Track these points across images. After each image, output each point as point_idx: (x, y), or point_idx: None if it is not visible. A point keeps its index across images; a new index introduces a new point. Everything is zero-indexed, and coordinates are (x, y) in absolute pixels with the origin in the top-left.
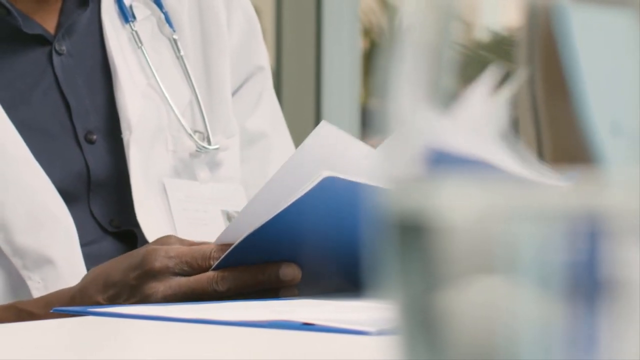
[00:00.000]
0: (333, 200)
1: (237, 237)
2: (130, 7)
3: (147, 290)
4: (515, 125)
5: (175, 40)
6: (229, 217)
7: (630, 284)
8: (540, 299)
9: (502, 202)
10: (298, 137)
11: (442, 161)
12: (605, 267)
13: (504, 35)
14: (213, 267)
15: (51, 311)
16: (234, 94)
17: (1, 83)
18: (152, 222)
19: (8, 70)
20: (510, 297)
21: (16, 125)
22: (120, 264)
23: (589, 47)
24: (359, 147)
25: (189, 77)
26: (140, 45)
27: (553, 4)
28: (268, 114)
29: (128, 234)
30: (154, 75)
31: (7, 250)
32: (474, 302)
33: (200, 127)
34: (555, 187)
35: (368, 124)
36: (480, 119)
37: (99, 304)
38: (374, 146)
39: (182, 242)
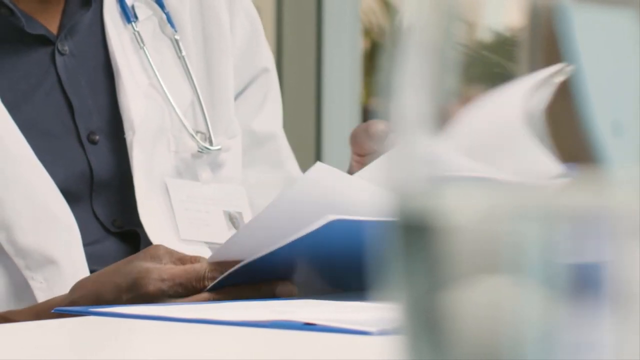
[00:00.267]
0: (336, 238)
1: (229, 257)
2: (132, 7)
3: None
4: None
5: (176, 41)
6: (230, 217)
7: (633, 284)
8: (545, 299)
9: (506, 202)
10: (298, 137)
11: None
12: (608, 267)
13: (506, 35)
14: (208, 287)
15: (52, 311)
16: (238, 95)
17: (4, 83)
18: (154, 222)
19: (11, 71)
20: (515, 297)
21: (19, 125)
22: (110, 281)
23: (591, 47)
24: (355, 184)
25: (191, 77)
26: (142, 45)
27: (555, 4)
28: (275, 116)
29: (131, 234)
30: (156, 76)
31: (9, 251)
32: (478, 302)
33: (202, 128)
34: (558, 187)
35: None
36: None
37: None
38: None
39: (171, 254)
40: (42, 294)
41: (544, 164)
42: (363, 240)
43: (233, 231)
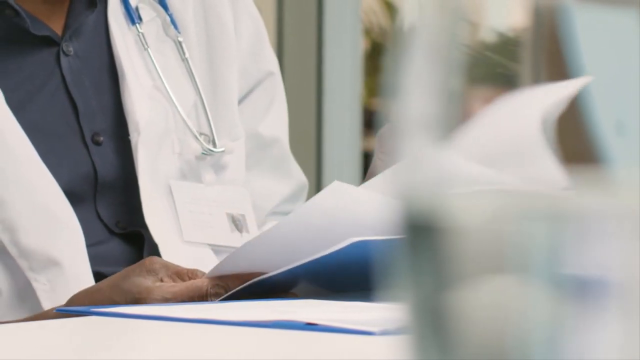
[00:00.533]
0: (354, 256)
1: (230, 271)
2: (137, 8)
3: None
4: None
5: (180, 43)
6: (233, 219)
7: (637, 284)
8: (551, 300)
9: (513, 203)
10: (299, 137)
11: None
12: (614, 267)
13: (509, 35)
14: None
15: (55, 311)
16: (243, 98)
17: (9, 84)
18: (158, 223)
19: (16, 72)
20: (521, 297)
21: (23, 126)
22: (108, 299)
23: (594, 47)
24: (373, 201)
25: (194, 79)
26: (146, 47)
27: (558, 5)
28: (281, 121)
29: (134, 235)
30: (160, 78)
31: (13, 252)
32: (485, 302)
33: (205, 130)
34: (565, 187)
35: (369, 124)
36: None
37: None
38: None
39: (167, 267)
40: (45, 295)
41: (555, 174)
42: (379, 257)
43: (236, 233)
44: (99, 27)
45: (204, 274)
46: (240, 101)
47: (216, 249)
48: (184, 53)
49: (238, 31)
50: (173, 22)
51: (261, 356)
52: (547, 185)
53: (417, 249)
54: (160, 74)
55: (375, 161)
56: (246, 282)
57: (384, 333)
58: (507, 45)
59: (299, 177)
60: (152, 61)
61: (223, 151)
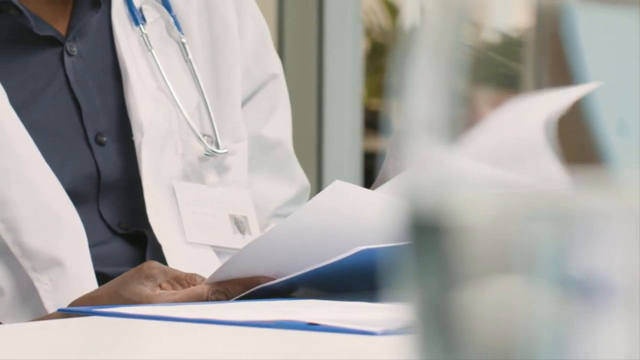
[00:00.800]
0: (360, 262)
1: (230, 276)
2: (140, 9)
3: None
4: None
5: (183, 44)
6: (236, 221)
7: None
8: (556, 300)
9: (518, 203)
10: (299, 137)
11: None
12: (620, 267)
13: (512, 36)
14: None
15: (56, 311)
16: (247, 100)
17: (13, 84)
18: (161, 224)
19: (19, 72)
20: (526, 297)
21: (27, 126)
22: (109, 305)
23: (596, 48)
24: (374, 200)
25: (197, 80)
26: (150, 48)
27: (560, 5)
28: (284, 122)
29: (137, 235)
30: (164, 79)
31: (16, 252)
32: (490, 302)
33: (208, 131)
34: (570, 187)
35: (370, 124)
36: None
37: None
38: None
39: (165, 272)
40: (48, 295)
41: (558, 175)
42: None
43: (238, 235)
44: (103, 27)
45: (202, 278)
46: (243, 103)
47: (218, 250)
48: (187, 54)
49: (242, 33)
50: (176, 23)
51: (263, 356)
52: (550, 186)
53: (423, 249)
54: (164, 75)
55: (387, 165)
56: (246, 286)
57: (385, 333)
58: (510, 46)
59: (302, 180)
60: (156, 62)
61: (226, 152)
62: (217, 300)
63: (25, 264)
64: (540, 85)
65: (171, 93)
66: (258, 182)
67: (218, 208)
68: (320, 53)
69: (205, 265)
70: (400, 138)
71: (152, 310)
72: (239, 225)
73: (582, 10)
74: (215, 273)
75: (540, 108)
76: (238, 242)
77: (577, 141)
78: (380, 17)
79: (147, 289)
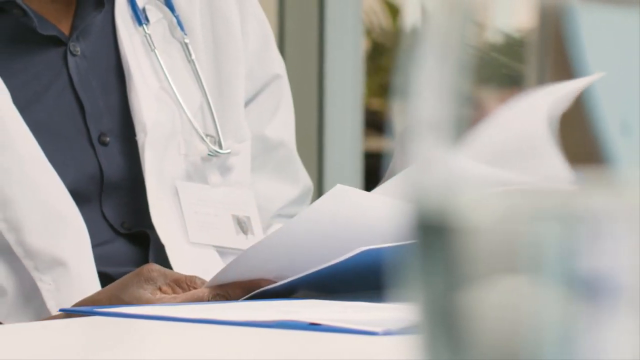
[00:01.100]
0: (362, 263)
1: (230, 279)
2: (144, 9)
3: None
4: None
5: (186, 44)
6: (238, 221)
7: None
8: (562, 300)
9: (524, 203)
10: (300, 137)
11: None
12: (624, 266)
13: (515, 36)
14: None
15: (58, 311)
16: (250, 101)
17: (16, 84)
18: (164, 224)
19: (23, 71)
20: (532, 297)
21: (30, 125)
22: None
23: (599, 48)
24: (376, 204)
25: (200, 81)
26: (153, 48)
27: (563, 5)
28: (287, 123)
29: (140, 235)
30: (167, 79)
31: (18, 252)
32: (496, 302)
33: (211, 131)
34: (575, 186)
35: (370, 124)
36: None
37: None
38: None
39: (165, 275)
40: (50, 295)
41: (562, 174)
42: (387, 261)
43: (241, 235)
44: (106, 27)
45: (203, 281)
46: (246, 103)
47: (221, 250)
48: (190, 54)
49: (245, 33)
50: (179, 23)
51: (264, 356)
52: (554, 184)
53: (429, 250)
54: (167, 75)
55: (395, 163)
56: (247, 290)
57: (387, 333)
58: (513, 46)
59: (305, 180)
60: (159, 62)
61: (229, 153)
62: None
63: (28, 263)
64: (543, 85)
65: (174, 93)
66: (261, 182)
67: (221, 208)
68: (321, 53)
69: (207, 266)
70: (407, 137)
71: (154, 310)
72: (242, 225)
73: (585, 11)
74: (216, 276)
75: (542, 104)
76: (241, 242)
77: (580, 141)
78: (381, 17)
79: (147, 292)
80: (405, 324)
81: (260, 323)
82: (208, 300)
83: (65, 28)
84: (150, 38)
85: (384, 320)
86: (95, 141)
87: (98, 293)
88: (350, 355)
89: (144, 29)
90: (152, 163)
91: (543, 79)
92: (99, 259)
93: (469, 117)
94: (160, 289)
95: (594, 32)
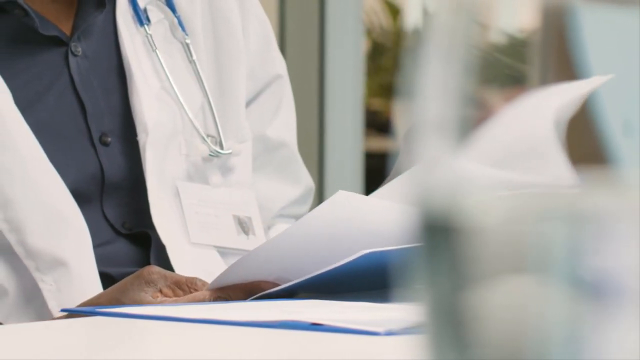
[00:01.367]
0: (364, 265)
1: (232, 282)
2: (145, 10)
3: None
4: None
5: (187, 45)
6: (240, 222)
7: None
8: (568, 300)
9: (530, 203)
10: (301, 137)
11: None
12: (629, 267)
13: (518, 37)
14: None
15: (60, 311)
16: (251, 101)
17: (17, 84)
18: (165, 225)
19: (24, 71)
20: (539, 297)
21: (31, 126)
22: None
23: (602, 48)
24: (378, 210)
25: (202, 81)
26: (154, 48)
27: (566, 6)
28: (288, 123)
29: (141, 235)
30: (168, 79)
31: (20, 252)
32: (502, 302)
33: (212, 132)
34: (580, 186)
35: (371, 124)
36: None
37: None
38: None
39: (165, 277)
40: (52, 296)
41: (566, 175)
42: (390, 266)
43: (242, 236)
44: (108, 27)
45: (203, 282)
46: (247, 104)
47: (222, 251)
48: (191, 55)
49: (246, 34)
50: (181, 24)
51: (266, 356)
52: (559, 185)
53: (435, 250)
54: (168, 76)
55: (400, 163)
56: (248, 292)
57: (389, 333)
58: (516, 47)
59: (307, 180)
60: (160, 62)
61: (230, 153)
62: None
63: (29, 264)
64: (546, 85)
65: (175, 93)
66: (262, 182)
67: (222, 209)
68: (322, 53)
69: (209, 266)
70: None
71: (156, 310)
72: (243, 225)
73: (587, 11)
74: (217, 279)
75: (547, 104)
76: (242, 242)
77: (583, 142)
78: (381, 17)
79: (147, 295)
80: (407, 324)
81: (262, 323)
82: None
83: (66, 28)
84: (152, 38)
85: (386, 321)
86: (96, 141)
87: (99, 296)
88: (352, 356)
89: (145, 29)
90: (153, 163)
91: (546, 79)
92: (100, 259)
93: (473, 117)
94: (161, 292)
95: (597, 32)
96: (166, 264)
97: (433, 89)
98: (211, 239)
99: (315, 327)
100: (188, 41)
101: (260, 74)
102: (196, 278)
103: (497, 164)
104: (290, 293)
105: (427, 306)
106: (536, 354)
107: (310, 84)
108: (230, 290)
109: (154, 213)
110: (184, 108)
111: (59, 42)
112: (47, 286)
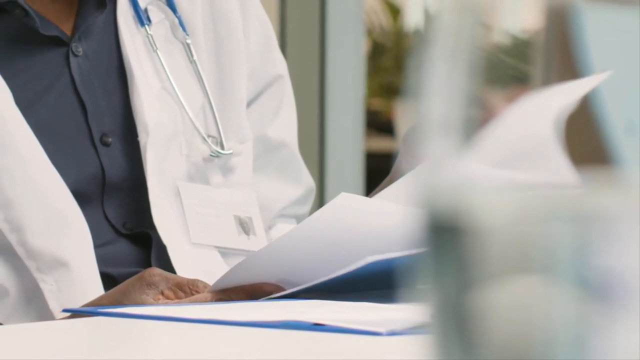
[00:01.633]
0: (368, 271)
1: (234, 284)
2: (146, 10)
3: None
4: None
5: (188, 45)
6: (240, 222)
7: None
8: (575, 300)
9: (536, 204)
10: (301, 137)
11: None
12: (634, 267)
13: (521, 37)
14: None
15: (62, 311)
16: (252, 101)
17: (18, 84)
18: (166, 225)
19: (25, 71)
20: (545, 298)
21: (32, 126)
22: None
23: (604, 48)
24: (380, 210)
25: (202, 81)
26: (155, 48)
27: (569, 6)
28: (289, 123)
29: (142, 236)
30: (169, 79)
31: (21, 252)
32: (509, 303)
33: (213, 132)
34: (584, 187)
35: (371, 124)
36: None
37: None
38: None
39: (167, 279)
40: (53, 296)
41: (567, 175)
42: (393, 269)
43: (243, 236)
44: (108, 28)
45: (205, 284)
46: (248, 104)
47: (223, 251)
48: (192, 55)
49: (247, 34)
50: (181, 24)
51: (268, 356)
52: (562, 185)
53: (441, 251)
54: (169, 76)
55: (400, 163)
56: (250, 294)
57: (391, 333)
58: (519, 47)
59: (307, 180)
60: (161, 63)
61: (231, 153)
62: None
63: (30, 264)
64: (549, 85)
65: (176, 94)
66: (263, 182)
67: (223, 209)
68: (322, 53)
69: (209, 266)
70: (413, 136)
71: (157, 310)
72: (244, 226)
73: (590, 12)
74: (218, 281)
75: (549, 103)
76: (243, 243)
77: (585, 142)
78: (382, 18)
79: (149, 298)
80: (410, 324)
81: (264, 323)
82: None
83: (67, 28)
84: (152, 38)
85: (388, 321)
86: (97, 141)
87: (100, 298)
88: (354, 356)
89: (146, 29)
90: (154, 164)
91: (549, 80)
92: (100, 260)
93: (477, 117)
94: (162, 294)
95: (600, 33)
96: (167, 264)
97: (437, 89)
98: (212, 239)
99: (317, 327)
100: (189, 41)
101: (261, 74)
102: (198, 280)
103: (499, 164)
104: (292, 294)
105: (433, 306)
106: (542, 354)
107: (311, 84)
108: (232, 292)
109: (155, 213)
110: (184, 108)
111: (59, 42)
112: (48, 286)
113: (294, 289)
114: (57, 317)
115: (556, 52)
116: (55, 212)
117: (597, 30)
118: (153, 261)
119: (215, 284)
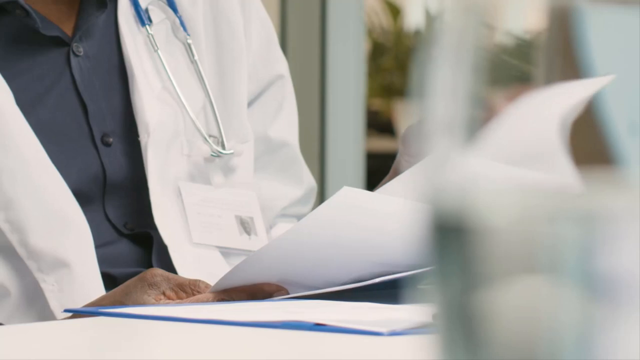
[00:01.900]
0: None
1: (234, 284)
2: (147, 10)
3: None
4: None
5: (189, 45)
6: (242, 222)
7: None
8: (580, 300)
9: (541, 204)
10: (302, 137)
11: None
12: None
13: (525, 38)
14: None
15: (63, 311)
16: (253, 101)
17: (19, 84)
18: (167, 225)
19: (26, 72)
20: (550, 298)
21: (33, 126)
22: None
23: (607, 49)
24: (383, 204)
25: (203, 81)
26: (156, 49)
27: (572, 7)
28: (290, 123)
29: (143, 236)
30: (170, 79)
31: (22, 253)
32: (514, 303)
33: (214, 132)
34: (590, 188)
35: (372, 124)
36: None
37: None
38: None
39: (168, 280)
40: (54, 296)
41: (571, 176)
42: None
43: (244, 236)
44: (109, 28)
45: (206, 284)
46: (249, 104)
47: (224, 251)
48: (193, 55)
49: (248, 34)
50: (182, 24)
51: (270, 356)
52: (568, 186)
53: (446, 251)
54: (170, 76)
55: (399, 162)
56: (251, 294)
57: (392, 333)
58: (523, 48)
59: (309, 180)
60: (162, 63)
61: (232, 153)
62: None
63: (31, 265)
64: (552, 85)
65: (177, 94)
66: (264, 182)
67: (224, 209)
68: (323, 54)
69: (211, 266)
70: (412, 135)
71: (159, 310)
72: (245, 226)
73: (593, 12)
74: (219, 281)
75: (554, 103)
76: (244, 243)
77: (588, 142)
78: (382, 18)
79: (150, 298)
80: (411, 325)
81: (265, 323)
82: None
83: (68, 29)
84: (153, 38)
85: (390, 321)
86: (98, 142)
87: (101, 298)
88: (356, 356)
89: (146, 29)
90: (155, 164)
91: (552, 80)
92: (102, 260)
93: (481, 117)
94: (164, 294)
95: (603, 33)
96: (168, 264)
97: (440, 89)
98: (213, 239)
99: (318, 327)
100: (190, 41)
101: (262, 74)
102: (199, 280)
103: (503, 163)
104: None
105: (438, 306)
106: (547, 354)
107: (312, 85)
108: (233, 293)
109: (156, 213)
110: (185, 108)
111: (60, 42)
112: (49, 287)
113: (294, 295)
114: (58, 317)
115: (559, 52)
116: (56, 212)
117: (599, 31)
118: (154, 261)
119: (216, 284)
